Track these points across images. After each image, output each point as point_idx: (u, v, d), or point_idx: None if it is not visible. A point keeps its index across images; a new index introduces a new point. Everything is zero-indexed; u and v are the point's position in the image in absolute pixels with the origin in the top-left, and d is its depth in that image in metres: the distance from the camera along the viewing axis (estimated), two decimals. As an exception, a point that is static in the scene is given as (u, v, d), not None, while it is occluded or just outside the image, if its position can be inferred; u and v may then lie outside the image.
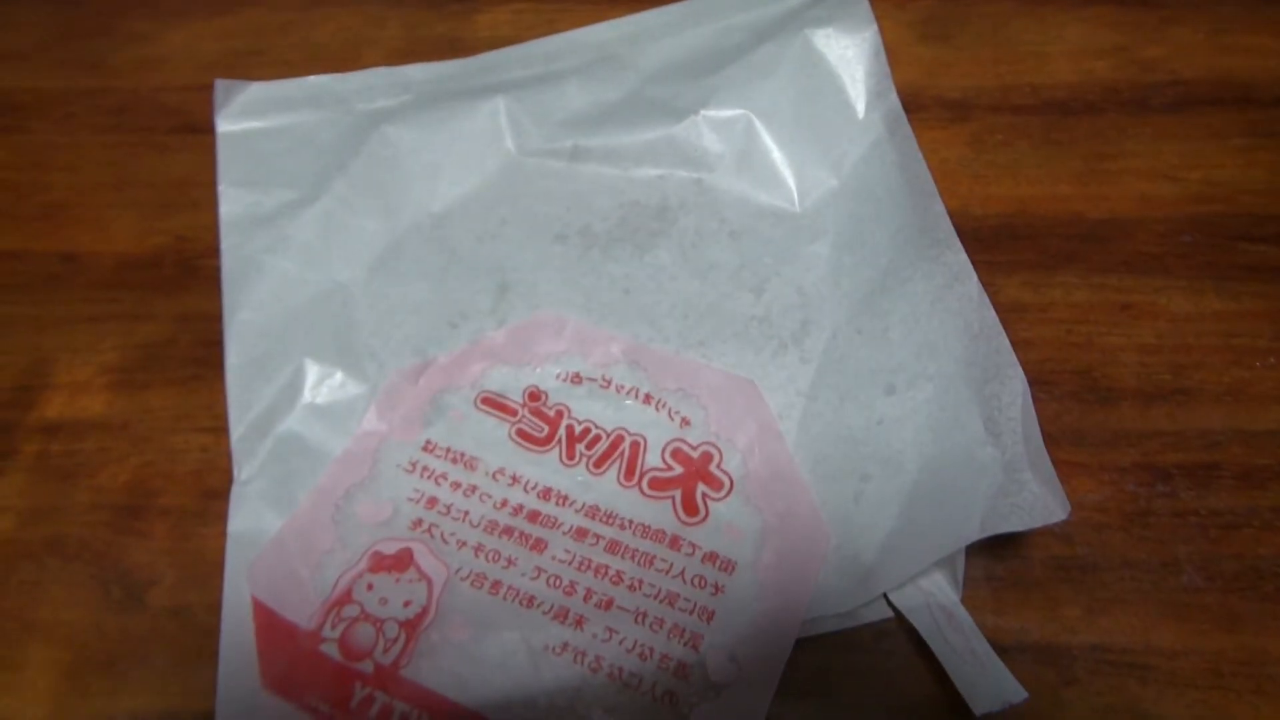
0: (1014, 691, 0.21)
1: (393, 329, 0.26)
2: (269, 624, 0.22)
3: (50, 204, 0.30)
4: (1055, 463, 0.23)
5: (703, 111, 0.29)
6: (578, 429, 0.25)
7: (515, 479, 0.24)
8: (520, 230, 0.28)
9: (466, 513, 0.24)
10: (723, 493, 0.24)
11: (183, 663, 0.23)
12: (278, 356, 0.26)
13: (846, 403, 0.25)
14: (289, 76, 0.30)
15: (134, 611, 0.24)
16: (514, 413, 0.25)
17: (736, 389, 0.25)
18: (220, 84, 0.30)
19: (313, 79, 0.30)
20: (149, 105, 0.32)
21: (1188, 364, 0.27)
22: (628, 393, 0.25)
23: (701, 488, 0.24)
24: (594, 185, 0.28)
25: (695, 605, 0.22)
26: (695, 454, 0.24)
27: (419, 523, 0.24)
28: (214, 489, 0.25)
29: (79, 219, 0.30)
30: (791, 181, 0.28)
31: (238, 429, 0.25)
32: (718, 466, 0.24)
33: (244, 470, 0.24)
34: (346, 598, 0.22)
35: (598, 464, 0.24)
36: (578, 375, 0.26)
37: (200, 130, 0.31)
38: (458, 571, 0.23)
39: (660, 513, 0.24)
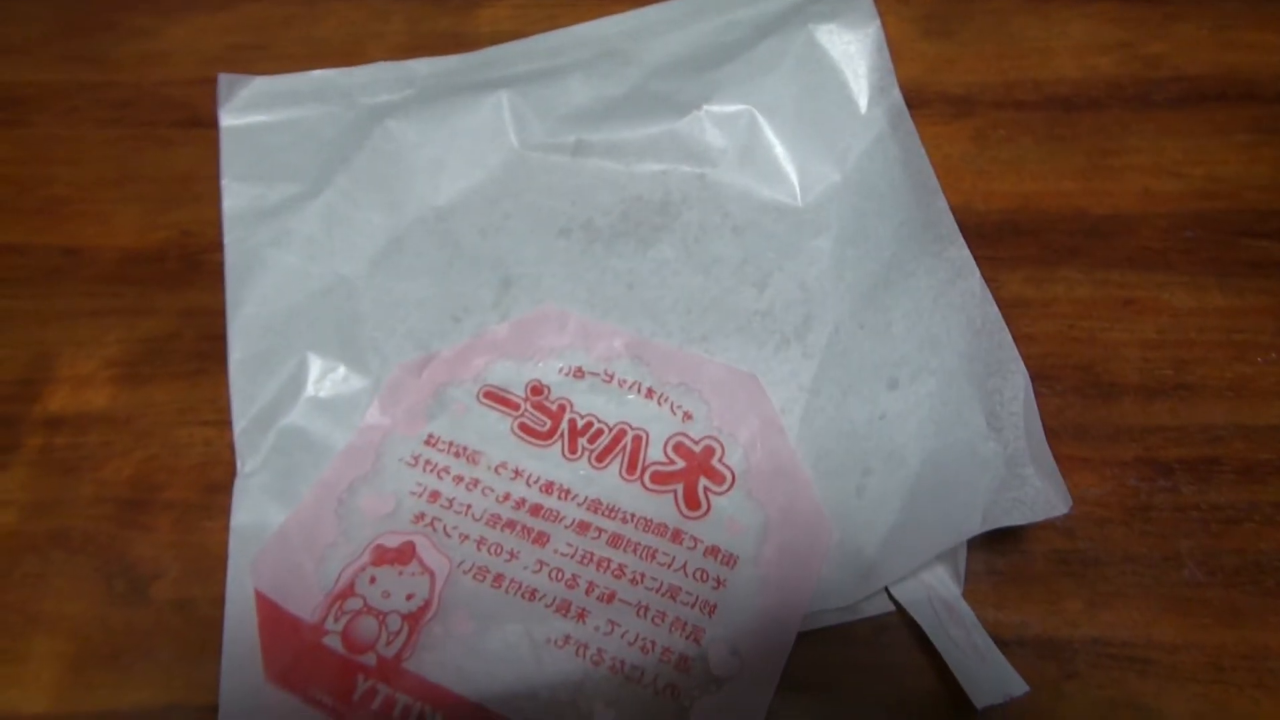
0: (1015, 685, 0.21)
1: (396, 323, 0.26)
2: (272, 617, 0.22)
3: (53, 198, 0.30)
4: (1057, 457, 0.24)
5: (705, 106, 0.29)
6: (580, 423, 0.25)
7: (517, 473, 0.24)
8: (523, 224, 0.28)
9: (469, 506, 0.24)
10: (725, 487, 0.24)
11: (186, 656, 0.23)
12: (281, 350, 0.26)
13: (849, 397, 0.25)
14: (292, 71, 0.30)
15: (138, 605, 0.24)
16: (516, 407, 0.25)
17: (739, 383, 0.25)
18: (223, 78, 0.30)
19: (316, 73, 0.30)
20: (152, 99, 0.32)
21: (1190, 359, 0.27)
22: (630, 387, 0.25)
23: (704, 482, 0.24)
24: (597, 180, 0.28)
25: (697, 599, 0.22)
26: (697, 448, 0.24)
27: (421, 516, 0.24)
28: (217, 482, 0.25)
29: (82, 213, 0.30)
30: (794, 176, 0.28)
31: (241, 422, 0.25)
32: (720, 461, 0.24)
33: (247, 464, 0.24)
34: (349, 591, 0.23)
35: (600, 458, 0.24)
36: (580, 369, 0.26)
37: (203, 124, 0.31)
38: (460, 565, 0.23)
39: (662, 507, 0.24)
